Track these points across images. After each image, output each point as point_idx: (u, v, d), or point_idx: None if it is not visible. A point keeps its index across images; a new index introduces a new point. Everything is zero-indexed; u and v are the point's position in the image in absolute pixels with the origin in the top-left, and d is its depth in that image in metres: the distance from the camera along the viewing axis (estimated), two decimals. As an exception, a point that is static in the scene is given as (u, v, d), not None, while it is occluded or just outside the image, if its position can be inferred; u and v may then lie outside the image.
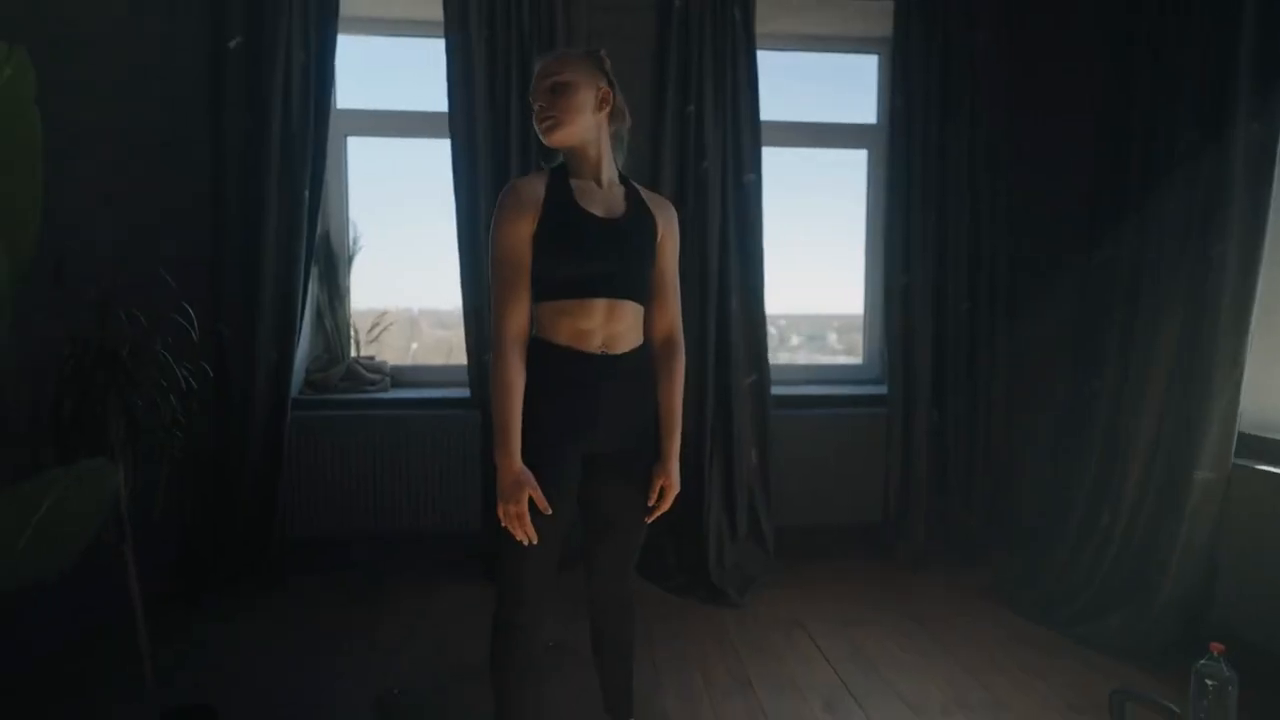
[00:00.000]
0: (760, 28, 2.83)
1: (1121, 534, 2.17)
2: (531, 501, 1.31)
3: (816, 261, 3.42)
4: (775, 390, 2.91)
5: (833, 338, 3.60)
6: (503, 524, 1.32)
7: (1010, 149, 2.85)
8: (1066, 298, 2.56)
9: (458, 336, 2.89)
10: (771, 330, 3.50)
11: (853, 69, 3.32)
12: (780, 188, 3.11)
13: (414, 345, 3.43)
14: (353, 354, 3.07)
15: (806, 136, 3.21)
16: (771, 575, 2.67)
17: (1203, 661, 1.59)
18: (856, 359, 3.35)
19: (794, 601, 2.50)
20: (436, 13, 2.67)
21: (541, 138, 1.38)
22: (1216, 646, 1.60)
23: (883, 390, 2.99)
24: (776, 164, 3.10)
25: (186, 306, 1.48)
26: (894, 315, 2.89)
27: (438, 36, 2.69)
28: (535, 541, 1.32)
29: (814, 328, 3.63)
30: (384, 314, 3.17)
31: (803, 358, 3.54)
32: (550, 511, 1.33)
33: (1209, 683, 1.57)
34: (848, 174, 3.29)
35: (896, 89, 2.86)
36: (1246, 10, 1.88)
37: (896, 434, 2.88)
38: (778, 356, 3.32)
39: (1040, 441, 2.73)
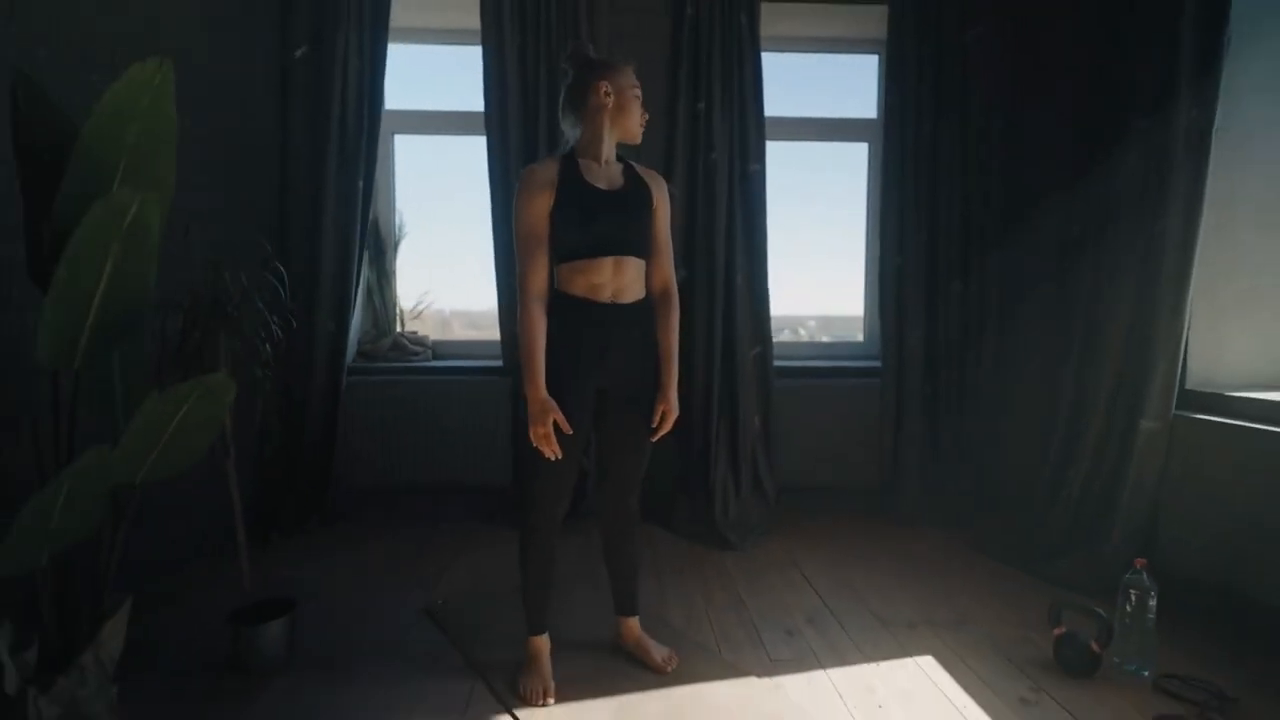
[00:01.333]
0: (766, 30, 3.12)
1: (1082, 483, 2.41)
2: (555, 424, 1.62)
3: (842, 261, 3.70)
4: (779, 363, 3.19)
5: (862, 337, 3.85)
6: (533, 444, 1.64)
7: (998, 141, 3.09)
8: (1046, 274, 2.79)
9: (486, 336, 3.23)
10: (802, 331, 3.81)
11: (860, 67, 3.58)
12: (797, 182, 3.44)
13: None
14: (398, 329, 3.42)
15: (811, 130, 3.49)
16: (772, 526, 2.95)
17: (1129, 574, 1.85)
18: (859, 337, 3.62)
19: (790, 547, 2.78)
20: (474, 22, 3.01)
21: (637, 132, 1.74)
22: (1140, 561, 1.85)
23: (879, 364, 3.24)
24: (793, 158, 3.44)
25: (280, 268, 1.82)
26: (888, 294, 3.15)
27: (475, 44, 3.03)
28: (560, 457, 1.64)
29: (847, 329, 3.85)
30: (425, 293, 3.51)
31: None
32: (570, 432, 1.64)
33: (1132, 591, 1.83)
34: (860, 170, 3.56)
35: (891, 86, 3.12)
36: (1187, 4, 2.13)
37: (890, 403, 3.14)
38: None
39: (1022, 408, 2.96)
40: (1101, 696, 1.72)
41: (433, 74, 3.54)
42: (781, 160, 3.37)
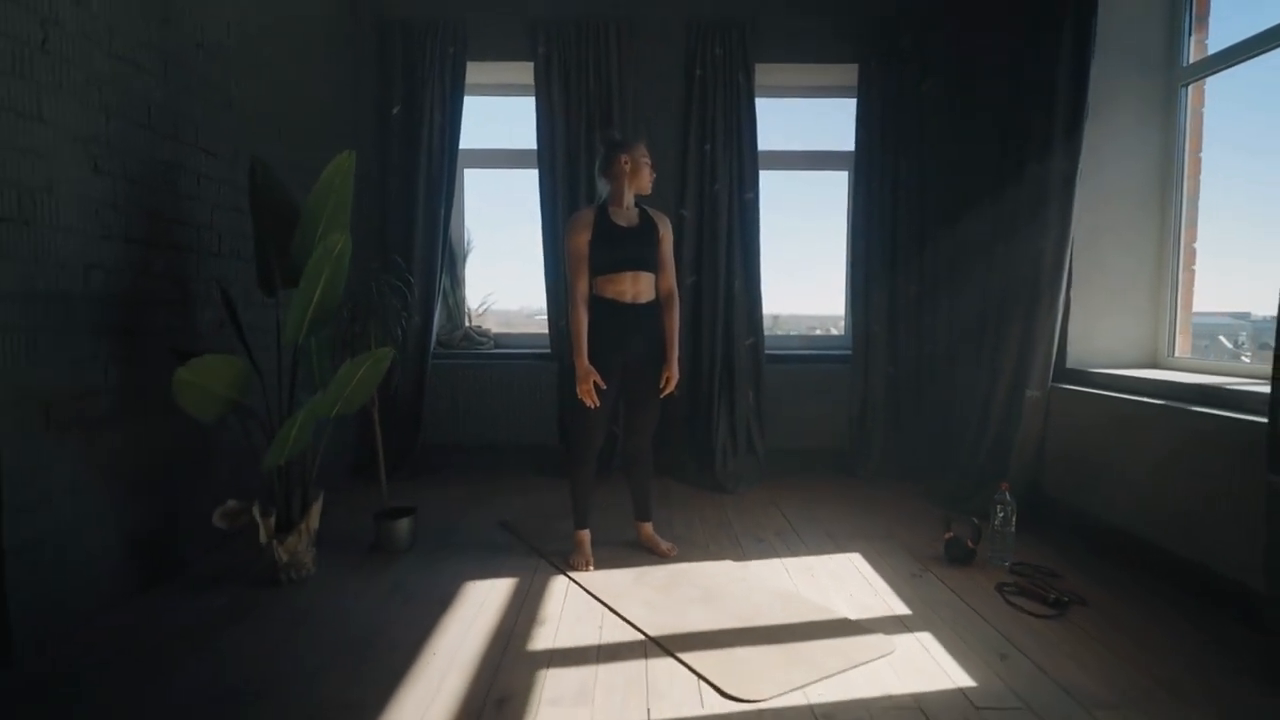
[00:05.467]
0: (762, 82, 3.91)
1: (992, 438, 3.16)
2: (594, 383, 2.44)
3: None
4: (770, 351, 3.97)
5: (843, 330, 4.63)
6: (578, 397, 2.46)
7: (947, 172, 3.82)
8: (976, 279, 3.52)
9: (531, 331, 4.10)
10: (833, 330, 4.62)
11: (848, 107, 4.33)
12: (826, 204, 4.35)
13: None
14: (467, 323, 4.28)
15: (800, 161, 4.27)
16: (760, 479, 3.75)
17: (996, 495, 2.61)
18: (840, 333, 4.39)
19: (773, 493, 3.57)
20: (529, 79, 3.85)
21: (647, 186, 2.53)
22: (1004, 485, 2.61)
23: (850, 352, 4.00)
24: (796, 187, 4.30)
25: (409, 278, 2.67)
26: (859, 295, 3.91)
27: (530, 96, 3.87)
28: (597, 406, 2.46)
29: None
30: (489, 294, 4.38)
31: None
32: (605, 387, 2.46)
33: (999, 506, 2.58)
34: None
35: (861, 126, 3.88)
36: (1060, 81, 2.86)
37: (859, 383, 3.90)
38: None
39: (960, 385, 3.70)
40: (969, 574, 2.49)
41: (495, 119, 4.40)
42: (812, 184, 4.34)
